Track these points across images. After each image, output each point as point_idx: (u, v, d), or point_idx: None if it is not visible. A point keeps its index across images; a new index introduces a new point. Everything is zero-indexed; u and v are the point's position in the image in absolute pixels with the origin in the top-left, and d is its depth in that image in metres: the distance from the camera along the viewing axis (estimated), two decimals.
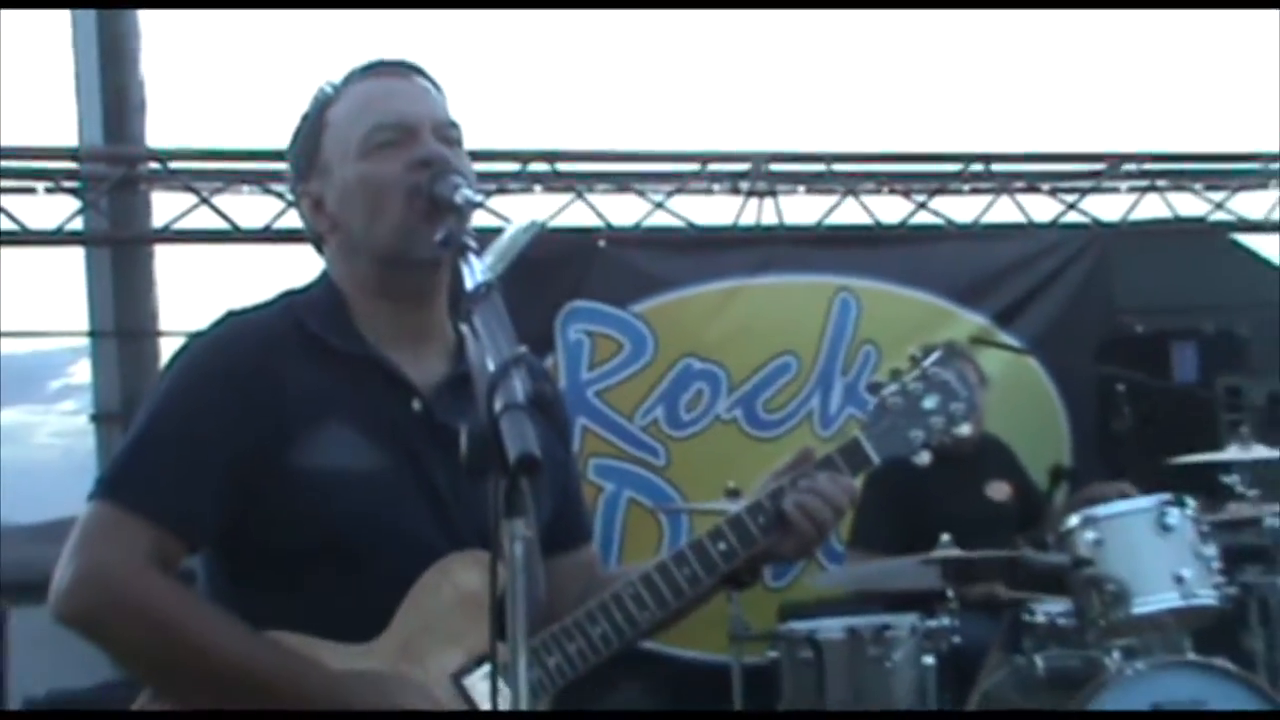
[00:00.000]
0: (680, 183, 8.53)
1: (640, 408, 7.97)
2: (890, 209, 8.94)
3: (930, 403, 2.72)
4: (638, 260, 8.20)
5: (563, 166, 8.31)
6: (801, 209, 8.75)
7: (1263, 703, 5.57)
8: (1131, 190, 9.32)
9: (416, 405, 2.56)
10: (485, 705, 2.19)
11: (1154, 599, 5.58)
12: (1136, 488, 6.28)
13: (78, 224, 7.85)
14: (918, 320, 8.23)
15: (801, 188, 8.77)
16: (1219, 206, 9.51)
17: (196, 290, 8.63)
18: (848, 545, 6.81)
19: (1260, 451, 6.37)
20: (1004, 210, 9.10)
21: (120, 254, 8.04)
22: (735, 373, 8.15)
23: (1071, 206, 9.21)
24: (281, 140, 2.75)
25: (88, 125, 8.15)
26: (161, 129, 8.22)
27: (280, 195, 7.51)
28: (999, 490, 6.94)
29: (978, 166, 9.03)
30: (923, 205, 8.94)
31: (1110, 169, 9.25)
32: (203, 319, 2.66)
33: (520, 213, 8.09)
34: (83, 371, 8.39)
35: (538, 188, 8.28)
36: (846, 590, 6.90)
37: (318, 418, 2.51)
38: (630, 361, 7.97)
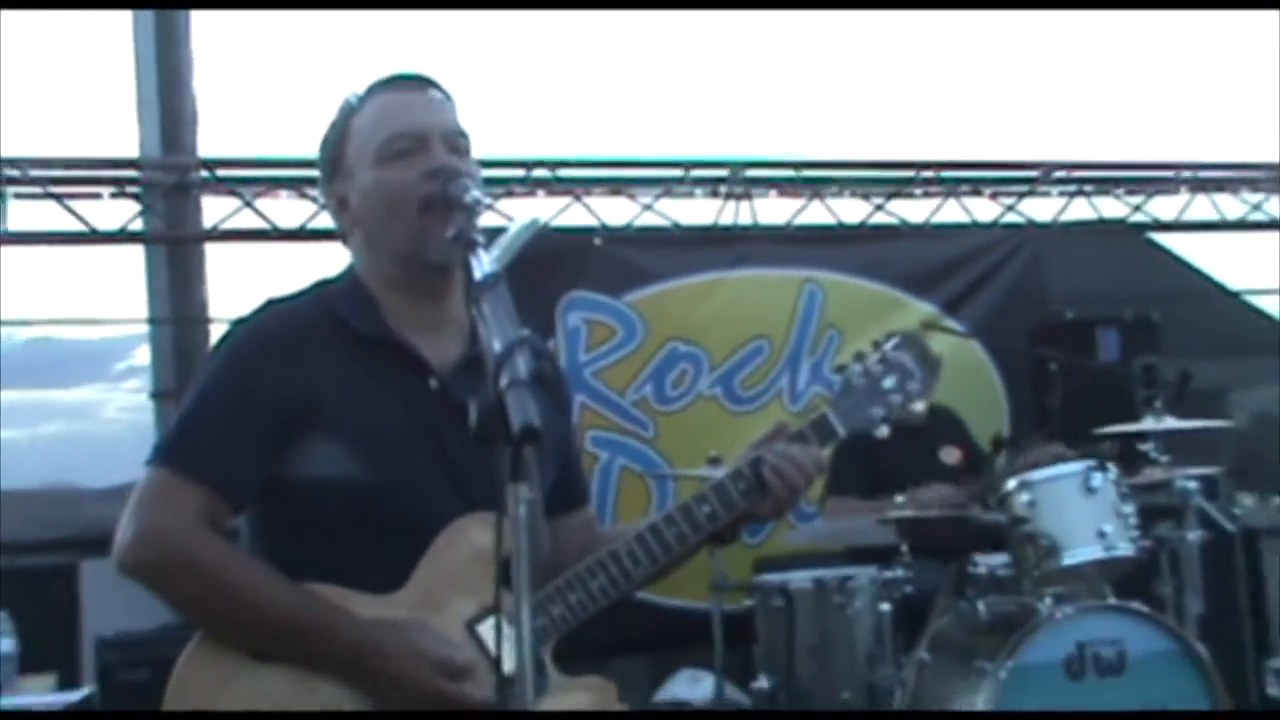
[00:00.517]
0: (666, 187, 8.53)
1: (631, 386, 7.98)
2: (851, 210, 8.97)
3: (889, 383, 2.72)
4: (629, 256, 8.20)
5: (562, 173, 8.32)
6: (773, 210, 8.78)
7: (1171, 640, 5.58)
8: (1062, 194, 9.34)
9: (434, 383, 2.56)
10: (494, 649, 2.19)
11: (1080, 551, 5.59)
12: (1066, 455, 6.29)
13: (138, 225, 7.91)
14: (875, 308, 8.24)
15: (773, 191, 8.78)
16: (1137, 209, 9.53)
17: (241, 283, 8.64)
18: (817, 504, 6.82)
19: (1171, 423, 6.37)
20: (951, 211, 9.14)
21: (174, 251, 8.05)
22: (715, 354, 8.16)
23: (1009, 208, 9.23)
24: (314, 150, 2.74)
25: (147, 138, 8.16)
26: (211, 140, 8.25)
27: (314, 199, 7.55)
28: (950, 455, 6.97)
29: (928, 173, 9.05)
30: (880, 207, 8.96)
31: (1043, 176, 9.27)
32: (246, 308, 2.66)
33: (524, 213, 8.15)
34: (143, 355, 8.41)
35: (540, 192, 8.27)
36: (814, 545, 6.90)
37: (346, 393, 2.52)
38: (622, 345, 7.98)
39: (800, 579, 6.07)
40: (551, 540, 2.67)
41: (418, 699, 2.41)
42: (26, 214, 7.69)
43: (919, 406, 2.77)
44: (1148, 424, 6.40)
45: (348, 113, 2.66)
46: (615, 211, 8.45)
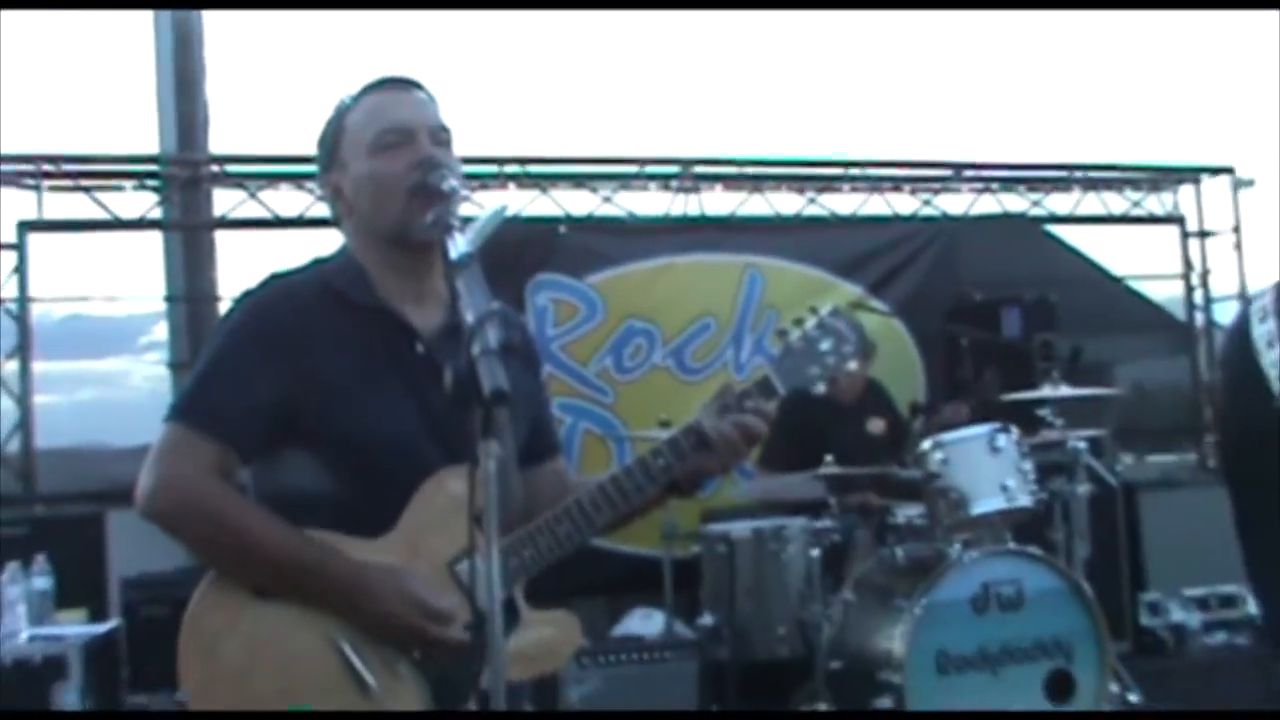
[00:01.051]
0: (624, 182, 8.53)
1: (593, 358, 7.98)
2: (787, 203, 8.99)
3: (825, 345, 2.69)
4: (590, 242, 8.20)
5: (531, 169, 8.33)
6: (718, 202, 8.80)
7: (1062, 580, 5.63)
8: (971, 191, 9.38)
9: (419, 348, 2.55)
10: (470, 588, 2.18)
11: (986, 503, 5.61)
12: (973, 419, 6.32)
13: (157, 214, 7.95)
14: (809, 290, 8.23)
15: (718, 185, 8.78)
16: (1036, 204, 9.59)
17: (246, 265, 8.67)
18: (757, 465, 6.83)
19: (1065, 391, 6.41)
20: (875, 205, 9.18)
21: (188, 237, 8.08)
22: (667, 330, 8.16)
23: (926, 203, 9.27)
24: (310, 147, 2.73)
25: (164, 137, 8.25)
26: (220, 139, 8.30)
27: (310, 191, 7.60)
28: (876, 425, 7.00)
29: (855, 171, 9.08)
30: (813, 200, 8.98)
31: (956, 174, 9.30)
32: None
33: (497, 203, 8.12)
34: (162, 330, 8.45)
35: (512, 185, 8.29)
36: (754, 499, 6.91)
37: (341, 356, 2.51)
38: (585, 321, 7.98)
39: (741, 529, 6.09)
40: (525, 488, 2.68)
41: (402, 636, 2.41)
42: (59, 204, 7.77)
43: (852, 366, 2.76)
44: (1045, 392, 6.45)
45: (342, 111, 2.65)
46: (578, 203, 8.47)
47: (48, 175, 7.66)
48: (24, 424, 7.65)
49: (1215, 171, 9.89)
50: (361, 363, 2.52)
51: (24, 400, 7.67)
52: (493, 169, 8.21)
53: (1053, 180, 9.60)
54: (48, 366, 8.16)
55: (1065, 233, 10.31)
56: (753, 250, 8.48)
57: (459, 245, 2.31)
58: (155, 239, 8.17)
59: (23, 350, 7.69)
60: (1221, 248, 9.89)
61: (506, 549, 2.48)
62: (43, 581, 6.00)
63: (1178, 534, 7.93)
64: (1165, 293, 10.72)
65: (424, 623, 2.40)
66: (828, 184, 9.03)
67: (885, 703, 5.37)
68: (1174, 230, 9.93)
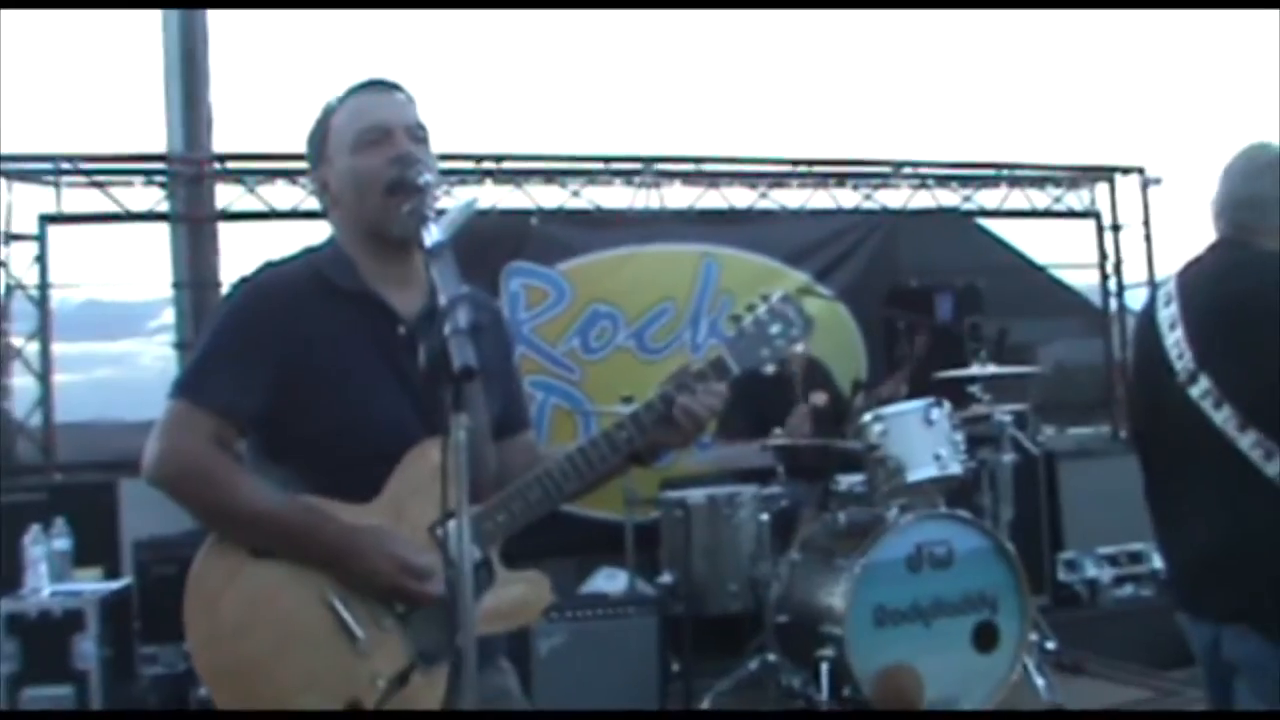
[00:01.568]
0: (591, 177, 8.52)
1: (562, 339, 7.98)
2: (741, 197, 8.98)
3: (775, 329, 2.69)
4: (560, 233, 8.20)
5: (506, 165, 8.30)
6: (677, 196, 8.77)
7: (988, 540, 5.67)
8: (909, 186, 9.39)
9: (402, 330, 2.55)
10: (452, 548, 2.19)
11: (920, 471, 5.64)
12: (910, 394, 6.35)
13: (164, 207, 7.97)
14: (760, 277, 8.24)
15: (677, 181, 8.77)
16: (968, 199, 9.61)
17: (246, 254, 8.66)
18: (712, 436, 6.84)
19: (992, 369, 6.45)
20: (821, 199, 9.18)
21: (193, 229, 8.08)
22: (630, 314, 8.16)
23: (868, 197, 9.28)
24: (303, 146, 2.72)
25: (172, 136, 8.23)
26: (223, 138, 8.29)
27: (304, 186, 7.58)
28: (819, 398, 7.00)
29: (803, 168, 9.08)
30: (764, 195, 8.99)
31: (895, 171, 9.31)
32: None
33: (475, 196, 8.18)
34: (170, 314, 8.43)
35: (488, 180, 8.26)
36: (709, 468, 6.92)
37: (329, 337, 2.50)
38: (554, 305, 7.98)
39: (696, 495, 6.10)
40: (498, 458, 2.69)
41: (387, 592, 2.41)
42: (76, 199, 7.81)
43: (800, 348, 2.77)
44: (974, 370, 6.48)
45: (328, 112, 2.65)
46: (549, 197, 8.46)
47: (65, 173, 7.68)
48: (45, 400, 7.74)
49: (1127, 171, 9.96)
50: (348, 343, 2.52)
51: (44, 378, 7.75)
52: (471, 165, 8.20)
53: (982, 178, 9.63)
54: (66, 348, 8.22)
55: (993, 225, 10.35)
56: (709, 240, 8.49)
57: (433, 235, 2.31)
58: (162, 230, 8.16)
59: (43, 332, 7.77)
60: (1133, 240, 9.96)
61: (482, 514, 2.49)
62: (62, 543, 6.06)
63: (1092, 498, 8.02)
64: (1083, 280, 10.78)
65: (406, 579, 2.40)
66: (778, 180, 9.03)
67: (828, 653, 5.40)
68: (1091, 224, 9.98)
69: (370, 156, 2.54)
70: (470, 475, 2.38)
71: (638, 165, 8.60)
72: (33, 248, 7.70)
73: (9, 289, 7.70)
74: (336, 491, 2.44)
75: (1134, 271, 9.95)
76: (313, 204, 7.15)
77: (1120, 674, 6.47)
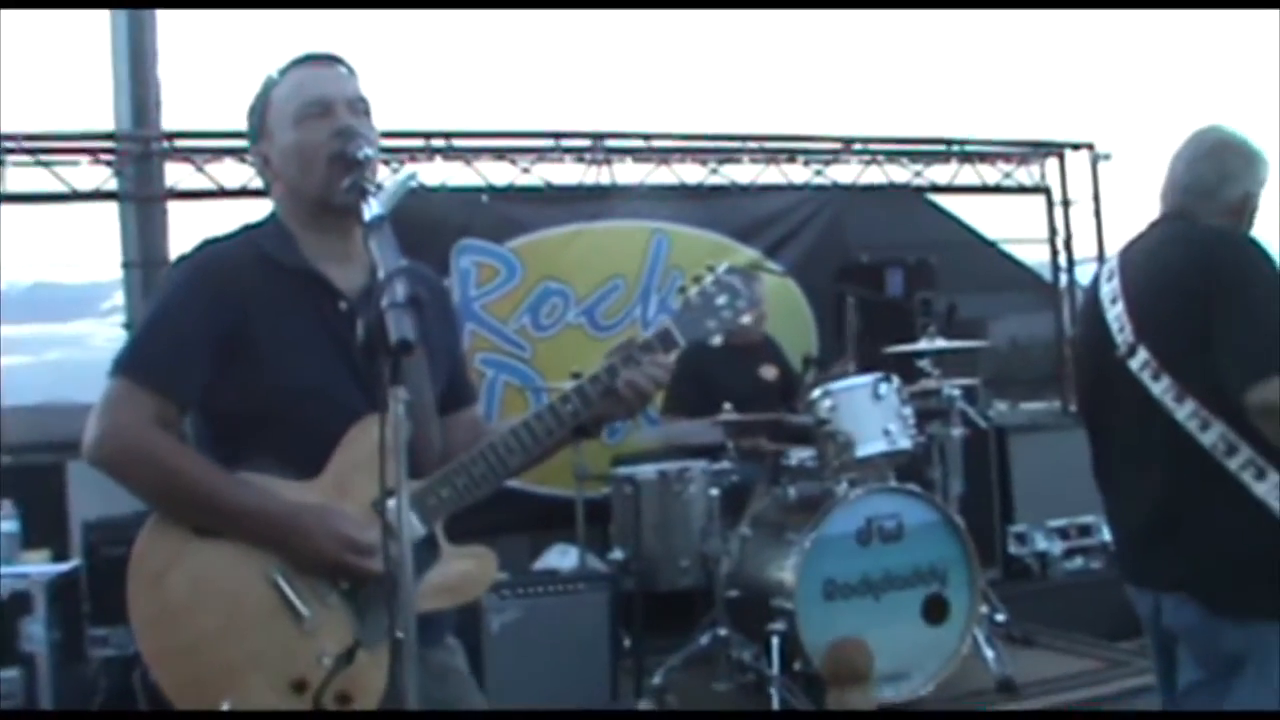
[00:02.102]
0: (541, 154, 8.48)
1: (512, 316, 7.95)
2: (691, 173, 8.95)
3: (721, 300, 2.69)
4: (510, 210, 8.16)
5: (456, 142, 8.24)
6: (628, 172, 8.74)
7: (938, 513, 5.73)
8: (859, 163, 9.39)
9: (343, 305, 2.54)
10: (394, 524, 2.19)
11: (870, 445, 5.68)
12: (860, 369, 6.38)
13: (112, 185, 7.87)
14: (711, 253, 8.21)
15: (628, 158, 8.74)
16: (918, 175, 9.62)
17: (195, 232, 8.58)
18: (662, 412, 6.86)
19: (941, 344, 6.49)
20: (771, 175, 9.15)
21: (142, 208, 7.99)
22: (580, 291, 8.14)
23: (818, 173, 9.27)
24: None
25: (120, 115, 8.13)
26: (171, 117, 8.20)
27: (253, 164, 7.48)
28: (768, 372, 7.03)
29: (753, 144, 9.06)
30: (714, 171, 8.96)
31: (845, 147, 9.31)
32: None
33: (424, 176, 8.10)
34: (122, 295, 8.33)
35: (437, 157, 8.20)
36: (660, 444, 6.93)
37: (271, 315, 2.49)
38: (505, 283, 7.95)
39: (646, 471, 6.10)
40: (443, 434, 2.69)
41: (331, 569, 2.41)
42: (21, 178, 7.69)
43: (746, 319, 2.76)
44: (923, 345, 6.51)
45: (269, 86, 2.63)
46: (499, 173, 8.39)
47: (10, 151, 7.54)
48: None
49: (1077, 147, 10.00)
50: (290, 319, 2.51)
51: None
52: (420, 143, 8.14)
53: (933, 153, 9.65)
54: (18, 330, 8.14)
55: (944, 201, 10.38)
56: (659, 217, 8.47)
57: (372, 208, 2.31)
58: (111, 210, 8.09)
59: None
60: (1082, 215, 10.02)
61: (426, 489, 2.50)
62: (9, 524, 6.05)
63: (1042, 472, 8.09)
64: (1033, 256, 10.86)
65: (350, 556, 2.40)
66: (728, 156, 9.01)
67: (779, 627, 5.43)
68: (1041, 199, 10.02)
69: (311, 130, 2.53)
70: (413, 450, 2.39)
71: (588, 142, 8.57)
72: None
73: None
74: (280, 469, 2.44)
75: (1084, 247, 10.02)
76: (261, 182, 7.14)
77: (1070, 645, 6.54)
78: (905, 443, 5.75)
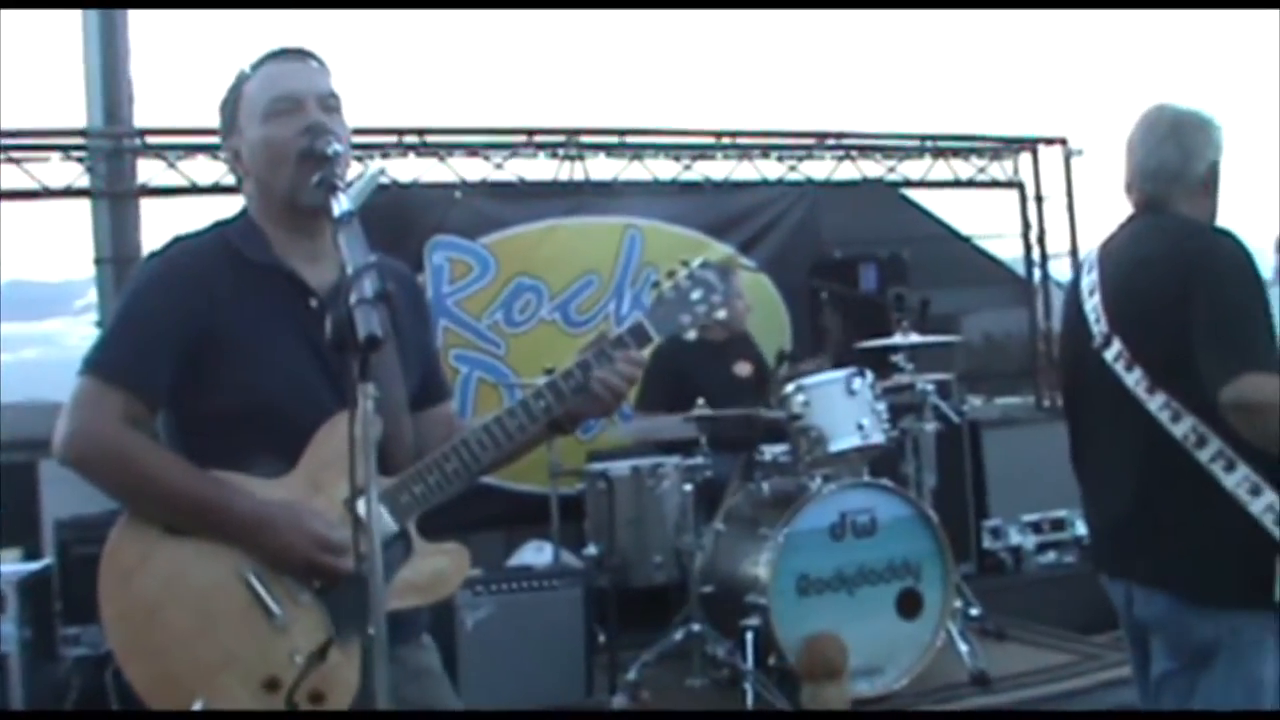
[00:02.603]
0: (514, 150, 8.47)
1: (486, 312, 7.95)
2: (665, 169, 8.95)
3: (696, 295, 2.69)
4: (483, 206, 8.16)
5: (429, 138, 8.24)
6: (601, 168, 8.73)
7: (911, 508, 5.76)
8: (833, 158, 9.40)
9: (314, 303, 2.53)
10: (369, 521, 2.18)
11: (843, 440, 5.71)
12: (833, 365, 6.39)
13: (84, 182, 7.83)
14: (684, 249, 8.20)
15: (601, 153, 8.74)
16: (891, 170, 9.63)
17: (167, 229, 8.54)
18: (635, 408, 6.86)
19: (915, 339, 6.51)
20: (745, 170, 9.17)
21: (115, 205, 7.97)
22: (554, 287, 8.14)
23: (792, 168, 9.28)
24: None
25: (92, 111, 8.10)
26: (143, 114, 8.17)
27: (223, 160, 7.47)
28: (743, 368, 7.03)
29: (727, 140, 9.07)
30: (688, 167, 8.97)
31: (819, 143, 9.33)
32: None
33: (397, 172, 8.15)
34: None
35: (411, 153, 8.20)
36: (633, 440, 6.94)
37: (241, 312, 2.48)
38: (478, 279, 7.95)
39: (620, 467, 6.11)
40: (416, 431, 2.68)
41: (302, 567, 2.40)
42: None
43: (721, 314, 2.75)
44: (897, 339, 6.53)
45: (241, 81, 2.62)
46: (472, 169, 8.38)
47: None
48: None
49: (1050, 142, 10.04)
50: (260, 316, 2.50)
51: None
52: (393, 139, 8.13)
53: (906, 149, 9.66)
54: None
55: (918, 196, 10.41)
56: (633, 213, 8.48)
57: (342, 204, 2.30)
58: (84, 207, 8.06)
59: None
60: (1056, 210, 10.06)
61: (399, 486, 2.49)
62: None
63: (1016, 466, 8.13)
64: (1007, 251, 10.89)
65: (321, 555, 2.39)
66: (702, 152, 9.02)
67: (753, 622, 5.45)
68: (1014, 194, 10.06)
69: (281, 126, 2.52)
70: (385, 447, 2.39)
71: (561, 138, 8.57)
72: None
73: None
74: (251, 467, 2.43)
75: (1057, 242, 10.07)
76: (233, 179, 7.14)
77: (1043, 639, 6.57)
78: (879, 437, 5.77)
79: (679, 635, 5.80)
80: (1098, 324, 3.29)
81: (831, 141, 9.37)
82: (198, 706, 2.32)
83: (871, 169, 9.58)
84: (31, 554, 6.32)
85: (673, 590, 6.10)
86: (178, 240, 2.59)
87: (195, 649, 2.36)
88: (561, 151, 8.57)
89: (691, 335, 2.74)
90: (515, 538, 7.19)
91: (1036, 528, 8.16)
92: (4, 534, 6.17)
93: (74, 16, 8.25)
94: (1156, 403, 3.09)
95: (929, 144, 9.69)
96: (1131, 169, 3.36)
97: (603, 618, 5.80)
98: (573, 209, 8.37)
